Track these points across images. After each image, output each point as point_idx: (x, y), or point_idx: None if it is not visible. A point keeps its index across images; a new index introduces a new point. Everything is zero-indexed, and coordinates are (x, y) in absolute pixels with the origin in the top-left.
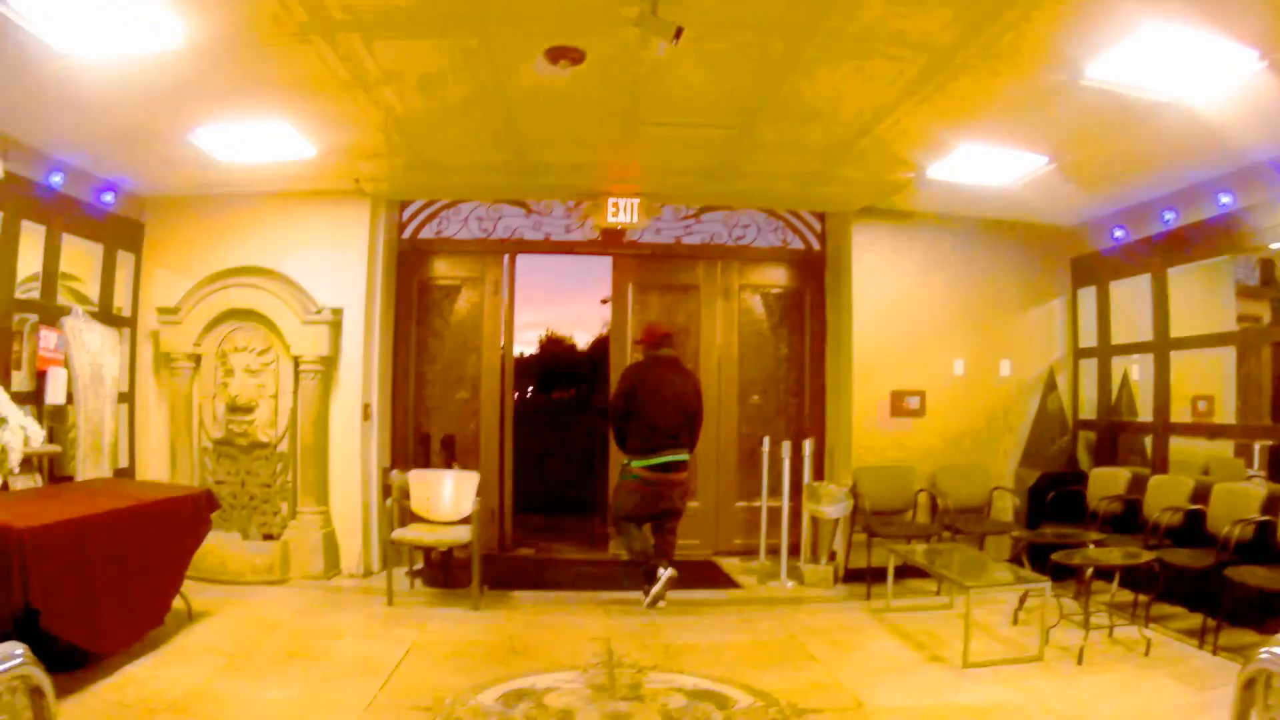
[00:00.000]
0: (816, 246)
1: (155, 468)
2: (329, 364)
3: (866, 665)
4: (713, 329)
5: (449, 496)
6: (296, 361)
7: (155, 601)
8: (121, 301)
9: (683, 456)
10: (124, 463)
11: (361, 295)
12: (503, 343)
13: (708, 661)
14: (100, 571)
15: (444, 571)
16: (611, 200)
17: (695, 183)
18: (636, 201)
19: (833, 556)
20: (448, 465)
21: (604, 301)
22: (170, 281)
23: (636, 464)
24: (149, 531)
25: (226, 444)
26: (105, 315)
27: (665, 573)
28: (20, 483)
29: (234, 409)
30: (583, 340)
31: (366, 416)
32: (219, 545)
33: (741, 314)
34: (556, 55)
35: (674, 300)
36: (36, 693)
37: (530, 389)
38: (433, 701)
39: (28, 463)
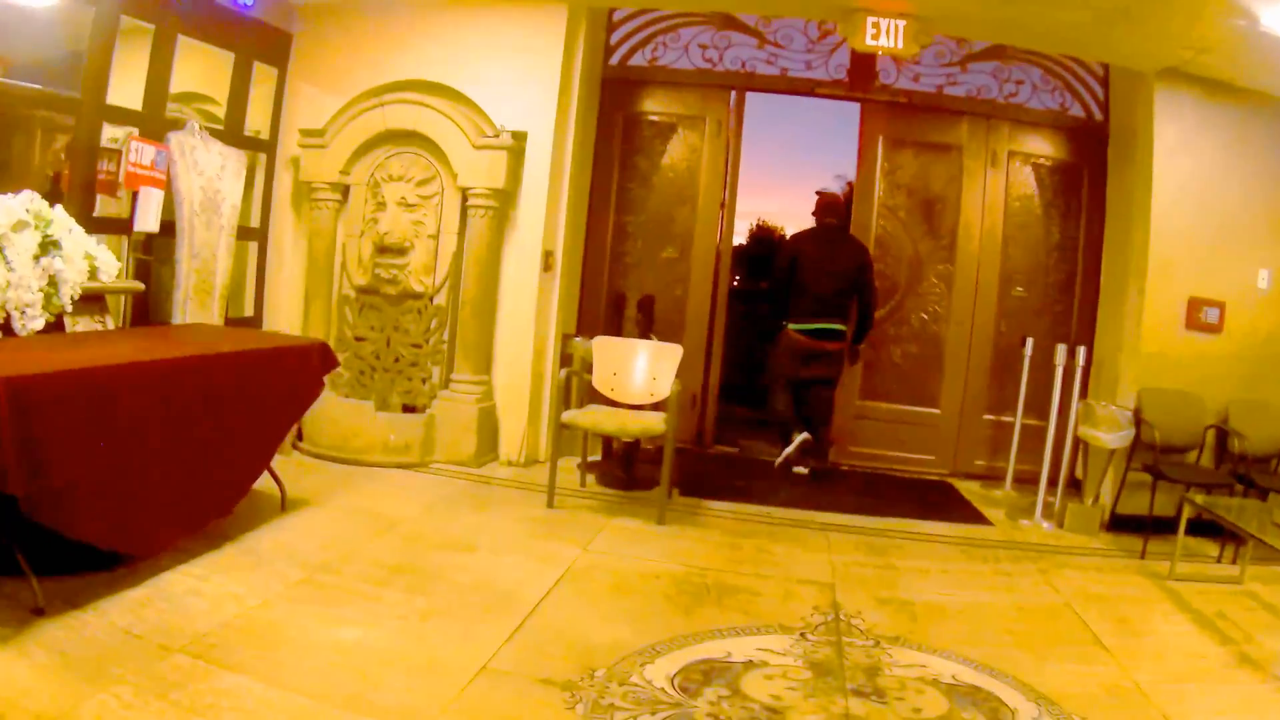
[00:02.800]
0: (1098, 115)
1: (286, 318)
2: (504, 199)
3: (1165, 662)
4: (974, 201)
5: (641, 373)
6: (464, 195)
7: (224, 485)
8: (260, 124)
9: (836, 327)
10: (249, 311)
11: (550, 120)
12: (724, 195)
13: (966, 635)
14: (134, 442)
15: (625, 468)
16: (871, 19)
17: (974, 8)
18: (903, 24)
19: (1096, 498)
20: (644, 334)
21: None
22: (319, 102)
23: (791, 326)
24: (224, 391)
25: (372, 293)
26: (234, 136)
27: (799, 436)
28: (83, 324)
29: (383, 250)
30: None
31: (548, 267)
32: (345, 414)
33: (1009, 187)
34: None
35: (931, 161)
36: None
37: (738, 278)
38: (577, 671)
39: (96, 300)
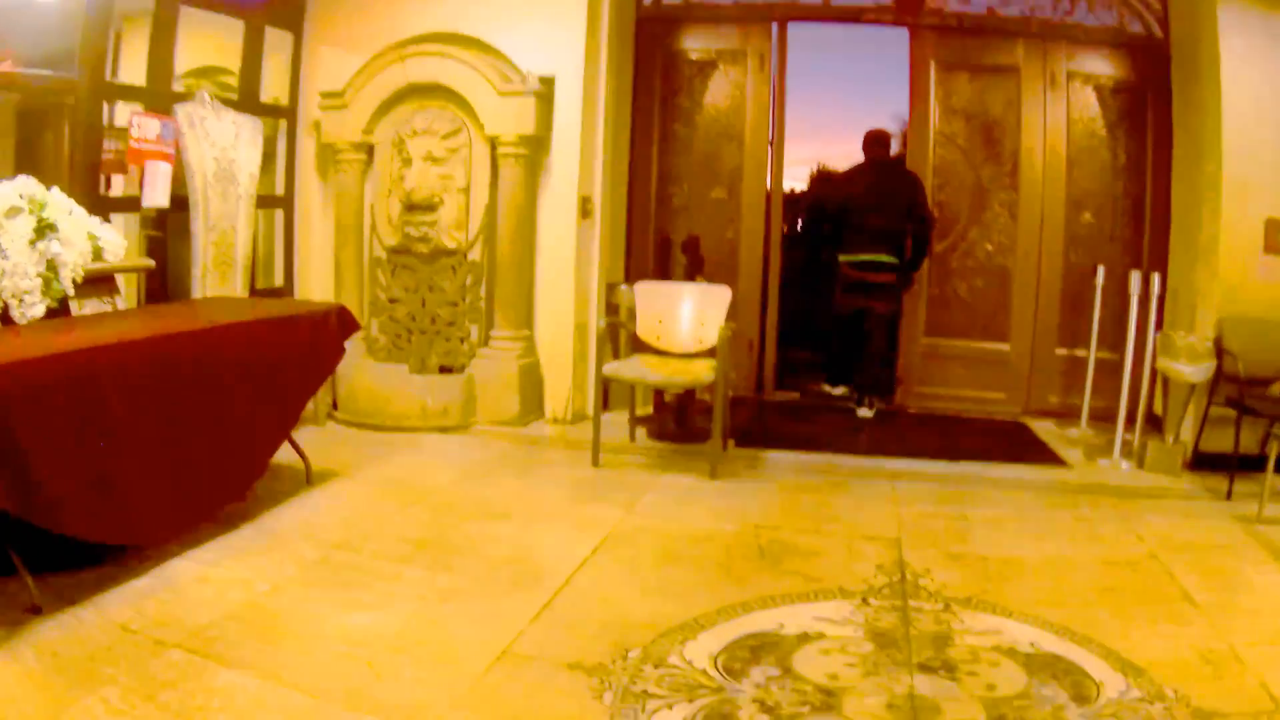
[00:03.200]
0: (1158, 32)
1: (318, 285)
2: (536, 146)
3: (1260, 621)
4: (1035, 125)
5: (687, 319)
6: (493, 144)
7: (235, 466)
8: (281, 91)
9: (885, 259)
10: (279, 280)
11: (579, 63)
12: (771, 132)
13: (1045, 594)
14: (124, 428)
15: (678, 420)
16: None
17: None
18: None
19: (1177, 435)
20: (690, 277)
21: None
22: (339, 63)
23: (842, 258)
24: (227, 366)
25: (403, 252)
26: (249, 104)
27: (837, 390)
28: (91, 306)
29: (411, 207)
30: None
31: (586, 213)
32: (379, 380)
33: (1070, 109)
34: None
35: (988, 85)
36: None
37: (800, 222)
38: (609, 653)
39: (106, 281)
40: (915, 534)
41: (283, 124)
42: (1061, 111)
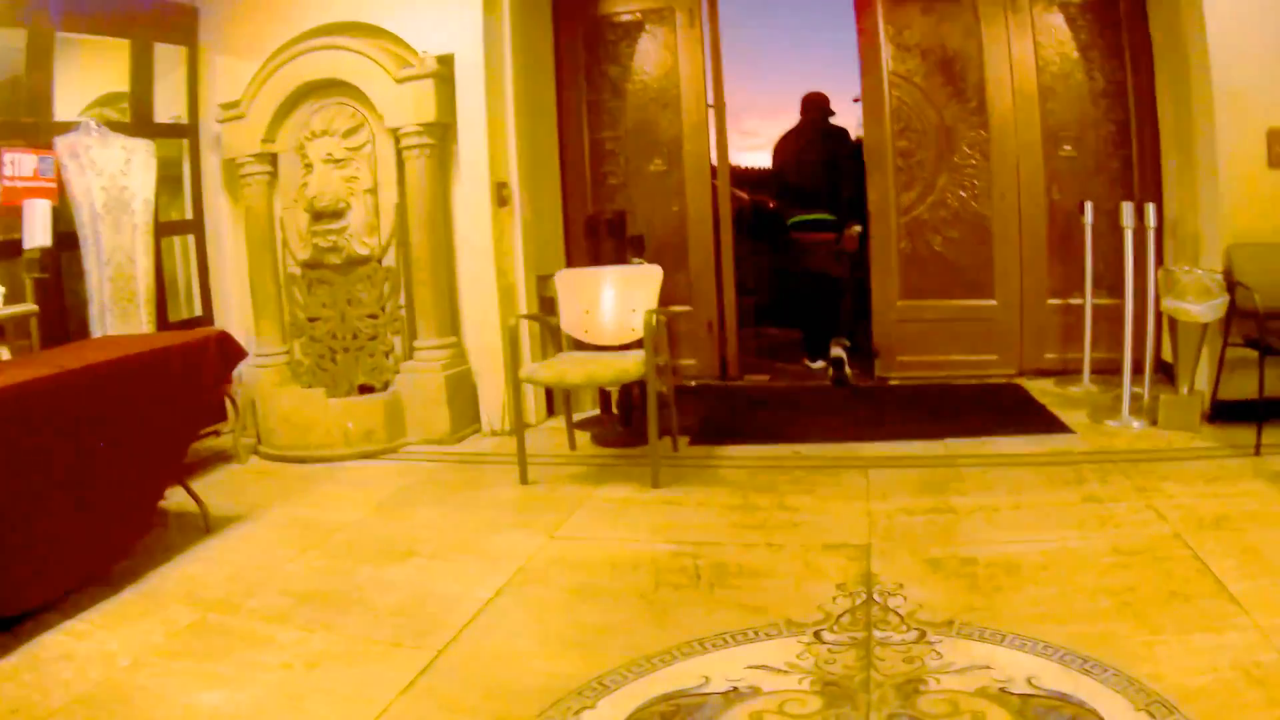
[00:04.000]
0: None
1: (238, 310)
2: (442, 134)
3: None
4: (999, 55)
5: (611, 306)
6: (397, 138)
7: (112, 521)
8: (180, 108)
9: (821, 216)
10: (199, 309)
11: (478, 37)
12: (709, 94)
13: (1047, 604)
14: None
15: (624, 421)
16: None
17: None
18: None
19: (1191, 385)
20: (621, 259)
21: (856, 100)
22: (237, 70)
23: (788, 223)
24: (88, 412)
25: (317, 266)
26: (142, 126)
27: (816, 365)
28: None
29: (318, 215)
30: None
31: (503, 201)
32: (296, 407)
33: (1036, 34)
34: None
35: (942, 15)
36: None
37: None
38: None
39: None
40: (888, 536)
41: (187, 144)
42: (1027, 37)
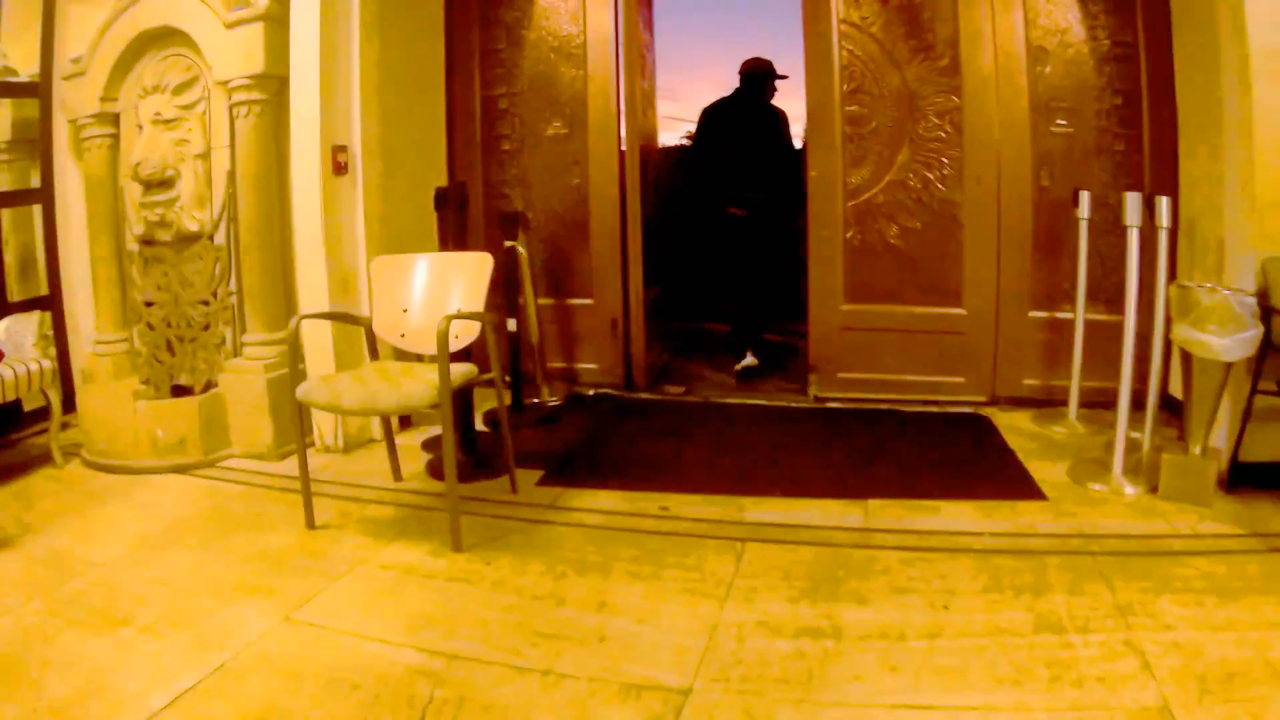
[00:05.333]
0: None
1: (82, 290)
2: (278, 88)
3: None
4: (980, 3)
5: (424, 306)
6: (228, 93)
7: None
8: (32, 64)
9: (753, 194)
10: (45, 288)
11: None
12: (616, 43)
13: None
14: None
15: (468, 445)
16: None
17: None
18: None
19: (1205, 441)
20: (457, 243)
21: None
22: (91, 21)
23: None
24: None
25: (151, 242)
26: None
27: (743, 362)
28: None
29: (148, 185)
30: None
31: (339, 170)
32: (103, 407)
33: None
34: None
35: None
36: None
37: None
38: None
39: None
40: (724, 678)
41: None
42: None
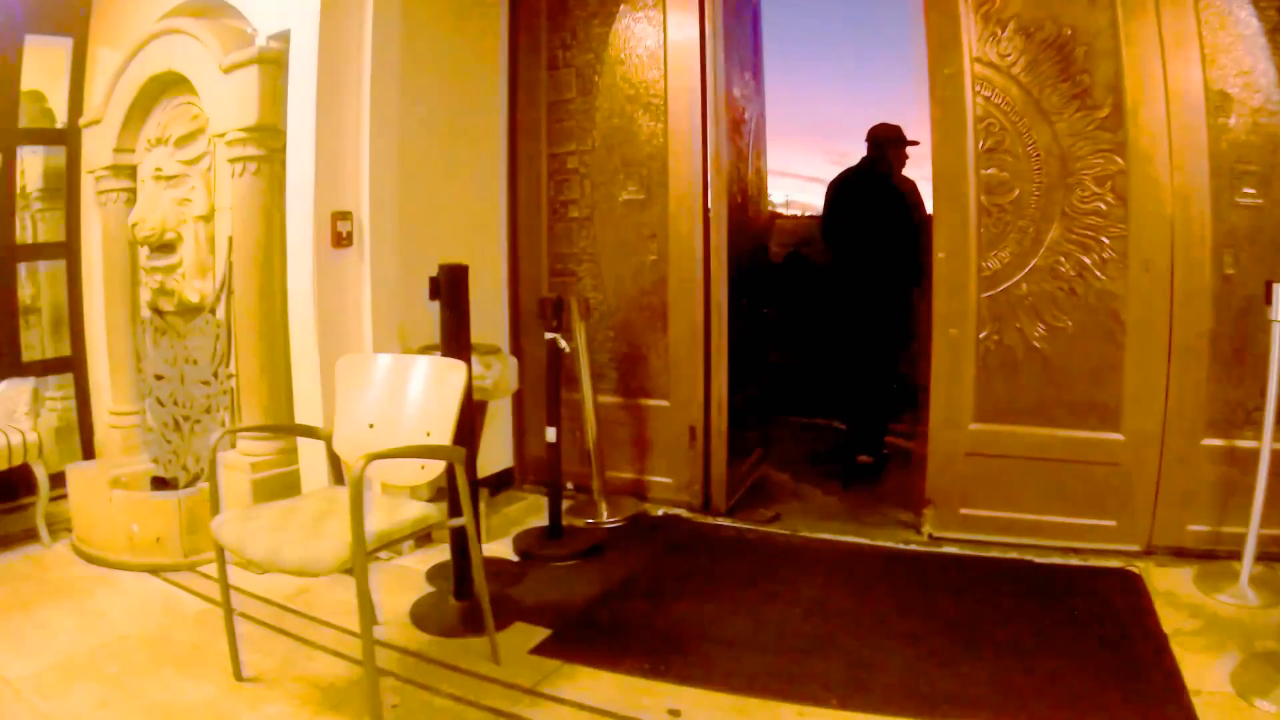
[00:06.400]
0: None
1: (103, 354)
2: (275, 143)
3: None
4: (1148, 39)
5: (385, 423)
6: (228, 146)
7: None
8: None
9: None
10: (69, 349)
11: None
12: (705, 91)
13: None
14: None
15: (461, 590)
16: None
17: None
18: None
19: None
20: (452, 340)
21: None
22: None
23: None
24: None
25: (160, 311)
26: (6, 135)
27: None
28: None
29: (152, 249)
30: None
31: (342, 240)
32: (84, 494)
33: (1202, 9)
34: None
35: None
36: None
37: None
38: None
39: None
40: None
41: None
42: (1188, 12)
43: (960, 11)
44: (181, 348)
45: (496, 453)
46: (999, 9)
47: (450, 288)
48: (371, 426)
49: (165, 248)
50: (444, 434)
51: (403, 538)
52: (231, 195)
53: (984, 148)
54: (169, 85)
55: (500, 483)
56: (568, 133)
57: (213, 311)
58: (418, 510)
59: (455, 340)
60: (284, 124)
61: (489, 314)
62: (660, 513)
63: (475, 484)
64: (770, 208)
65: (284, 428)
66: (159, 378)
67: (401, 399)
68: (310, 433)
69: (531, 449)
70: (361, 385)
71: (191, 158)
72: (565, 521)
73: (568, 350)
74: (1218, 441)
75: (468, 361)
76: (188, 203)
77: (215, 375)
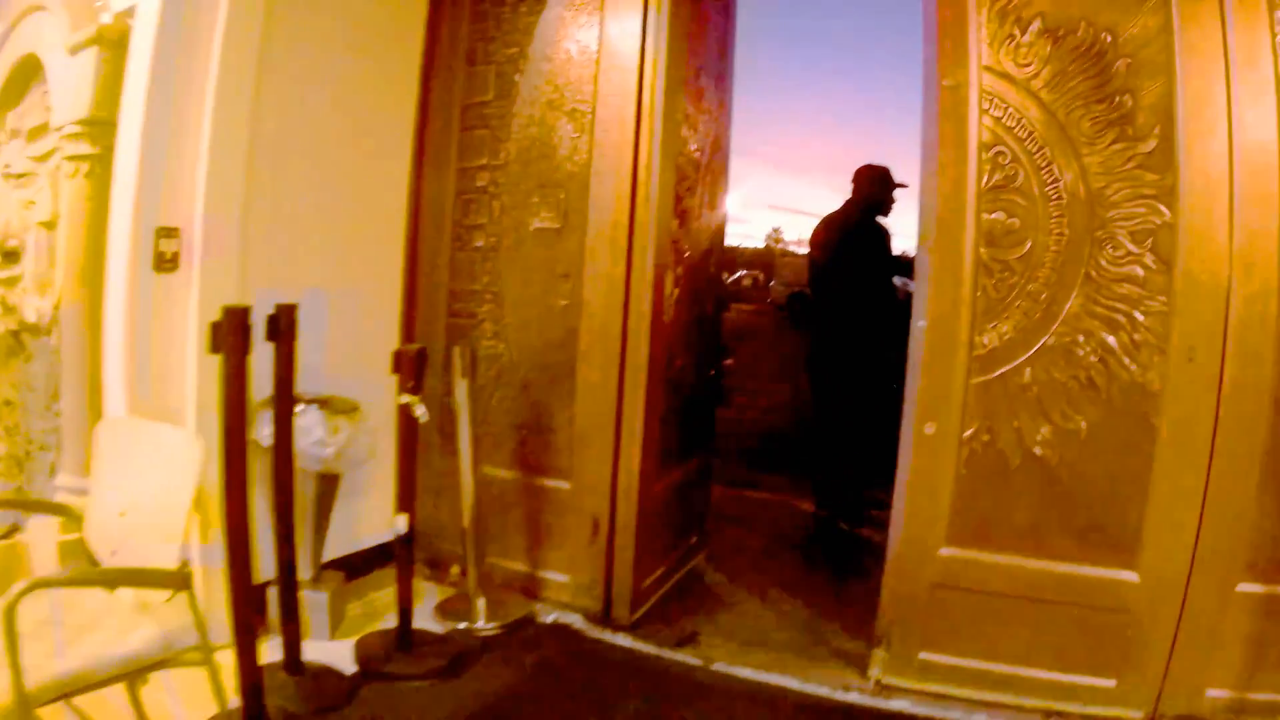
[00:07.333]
0: None
1: None
2: (106, 139)
3: None
4: (1211, 54)
5: (131, 504)
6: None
7: None
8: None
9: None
10: None
11: None
12: (638, 102)
13: None
14: None
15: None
16: None
17: None
18: None
19: None
20: (280, 401)
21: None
22: None
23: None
24: None
25: (12, 330)
26: None
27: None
28: None
29: (1, 257)
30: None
31: (163, 265)
32: None
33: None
34: None
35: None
36: None
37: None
38: None
39: None
40: None
41: None
42: (1262, 25)
43: (968, 12)
44: (25, 373)
45: (371, 521)
46: (1019, 4)
47: (275, 332)
48: (123, 515)
49: (10, 256)
50: (176, 519)
51: (102, 684)
52: (67, 200)
53: (989, 184)
54: (34, 70)
55: (374, 559)
56: (480, 143)
57: (49, 334)
58: (137, 644)
59: (279, 395)
60: (113, 114)
61: (377, 358)
62: (551, 618)
63: (325, 569)
64: (778, 243)
65: (30, 503)
66: (7, 403)
67: (153, 480)
68: (62, 511)
69: (422, 518)
70: (123, 457)
71: (41, 154)
72: (439, 621)
73: (424, 420)
74: (1256, 588)
75: (287, 422)
76: (33, 205)
77: (48, 409)
